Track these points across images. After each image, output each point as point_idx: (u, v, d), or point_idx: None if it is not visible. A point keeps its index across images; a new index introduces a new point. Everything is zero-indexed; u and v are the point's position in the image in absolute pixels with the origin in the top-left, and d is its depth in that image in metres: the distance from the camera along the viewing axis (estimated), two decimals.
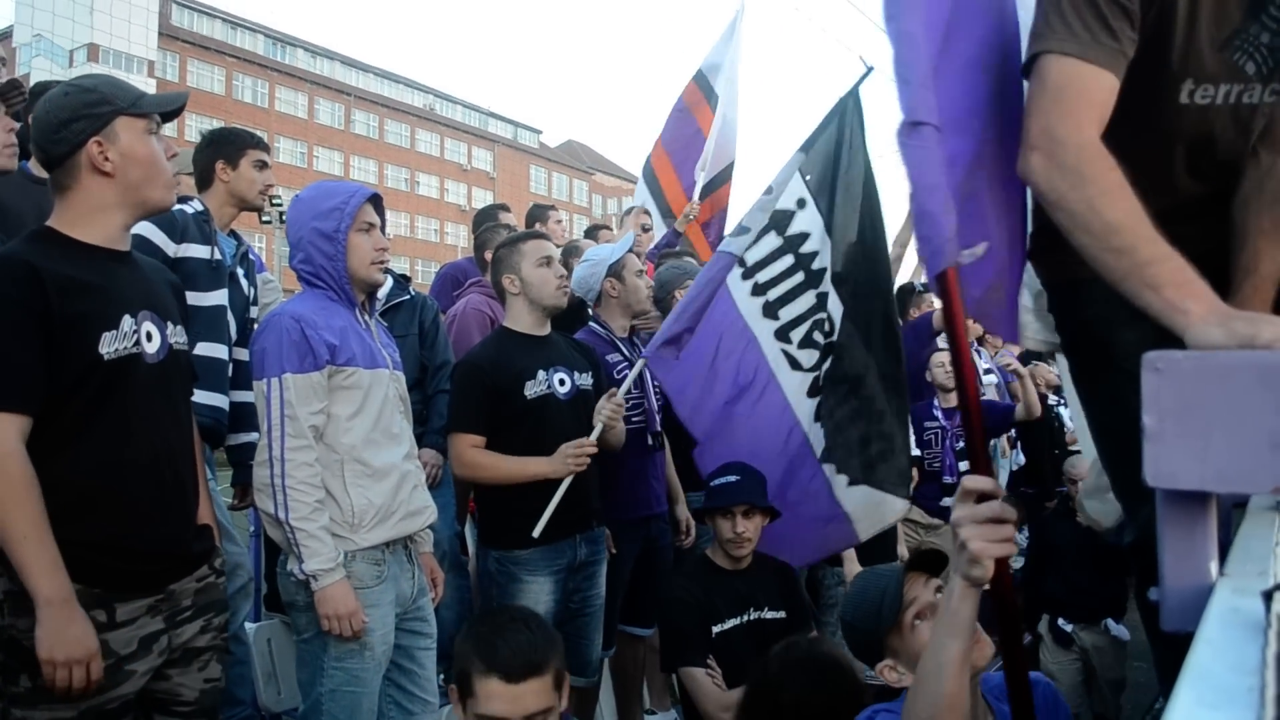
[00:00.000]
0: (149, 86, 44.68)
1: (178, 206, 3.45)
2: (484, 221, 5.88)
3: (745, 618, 3.41)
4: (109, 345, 2.22)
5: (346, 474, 2.81)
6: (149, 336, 2.33)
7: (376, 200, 3.03)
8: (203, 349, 3.39)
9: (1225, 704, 0.62)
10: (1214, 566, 0.99)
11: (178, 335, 2.45)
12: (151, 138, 2.36)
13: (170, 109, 2.43)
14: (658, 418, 4.11)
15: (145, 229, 3.24)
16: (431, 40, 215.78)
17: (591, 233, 6.99)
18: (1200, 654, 0.71)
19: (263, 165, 3.90)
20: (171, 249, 3.44)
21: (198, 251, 3.54)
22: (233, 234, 3.89)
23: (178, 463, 2.41)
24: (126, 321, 2.27)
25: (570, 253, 5.27)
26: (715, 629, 3.36)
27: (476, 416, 3.49)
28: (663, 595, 3.56)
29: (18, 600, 2.13)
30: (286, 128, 55.60)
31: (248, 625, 3.87)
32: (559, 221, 6.36)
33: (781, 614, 3.42)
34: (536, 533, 3.45)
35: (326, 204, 2.92)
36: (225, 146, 3.86)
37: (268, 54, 57.03)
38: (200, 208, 3.64)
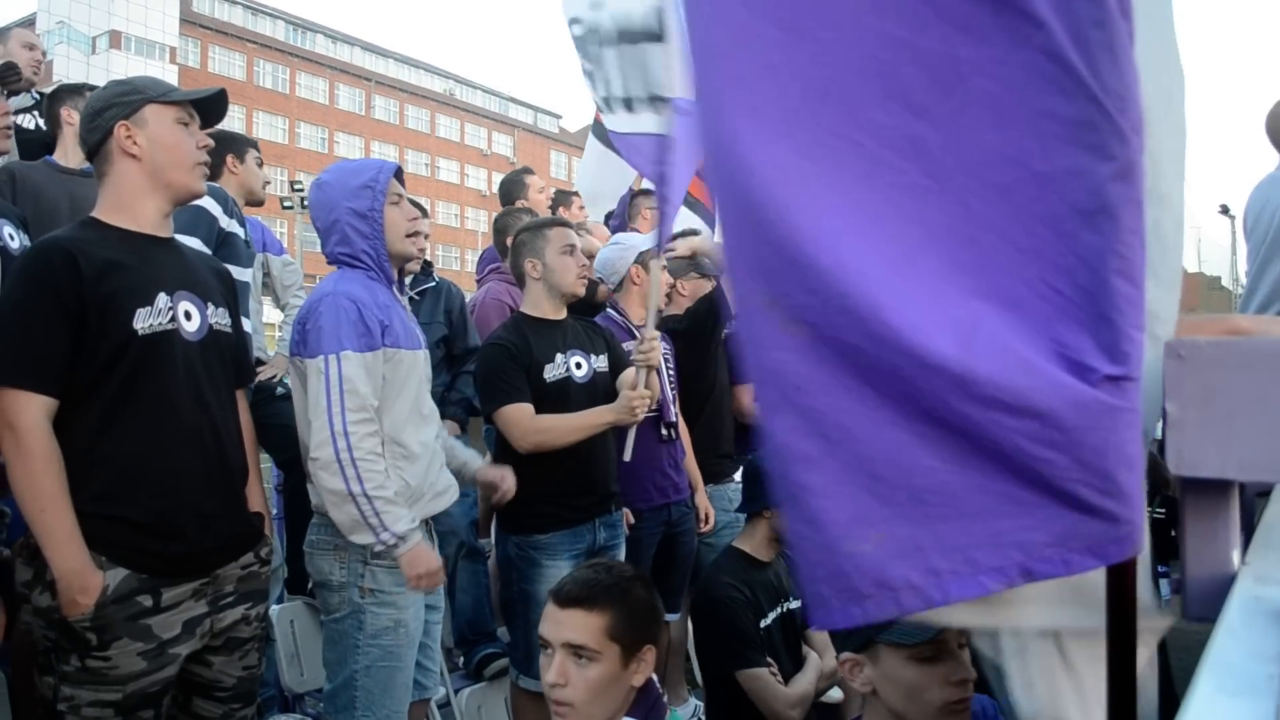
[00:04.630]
0: (170, 73, 44.83)
1: (220, 186, 3.81)
2: (511, 186, 5.91)
3: (781, 609, 3.38)
4: (143, 321, 2.28)
5: (386, 455, 2.83)
6: (187, 315, 2.40)
7: (398, 173, 3.07)
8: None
9: (1245, 692, 0.62)
10: (1236, 555, 0.99)
11: (219, 317, 2.51)
12: (181, 127, 2.45)
13: (202, 99, 2.51)
14: (672, 409, 4.09)
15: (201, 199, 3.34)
16: (451, 25, 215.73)
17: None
18: (1221, 642, 0.71)
19: (260, 163, 4.33)
20: (224, 220, 3.67)
21: (239, 230, 3.80)
22: None
23: (223, 440, 2.45)
24: (161, 299, 2.33)
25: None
26: (762, 624, 3.32)
27: (521, 388, 3.48)
28: (710, 594, 3.42)
29: None
30: (307, 113, 55.72)
31: (272, 608, 3.91)
32: (581, 208, 6.32)
33: (800, 603, 3.41)
34: (626, 456, 3.50)
35: (355, 182, 2.93)
36: (231, 143, 4.16)
37: (288, 40, 57.11)
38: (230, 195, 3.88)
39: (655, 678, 2.21)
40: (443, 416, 4.08)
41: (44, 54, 4.55)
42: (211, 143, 2.56)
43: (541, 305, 3.67)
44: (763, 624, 3.32)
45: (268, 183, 4.36)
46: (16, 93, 2.88)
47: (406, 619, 2.86)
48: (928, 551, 0.98)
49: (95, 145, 2.40)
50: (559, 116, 74.30)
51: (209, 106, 2.53)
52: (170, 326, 2.34)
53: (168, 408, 2.31)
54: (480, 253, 5.75)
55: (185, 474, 2.34)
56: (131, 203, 2.39)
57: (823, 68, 0.95)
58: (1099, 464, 0.94)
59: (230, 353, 2.56)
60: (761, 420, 1.02)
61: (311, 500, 2.92)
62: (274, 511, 4.32)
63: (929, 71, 0.93)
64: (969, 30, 0.92)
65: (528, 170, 6.29)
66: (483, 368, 3.61)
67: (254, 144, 4.38)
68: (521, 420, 3.45)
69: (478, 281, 5.51)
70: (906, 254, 0.95)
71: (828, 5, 0.94)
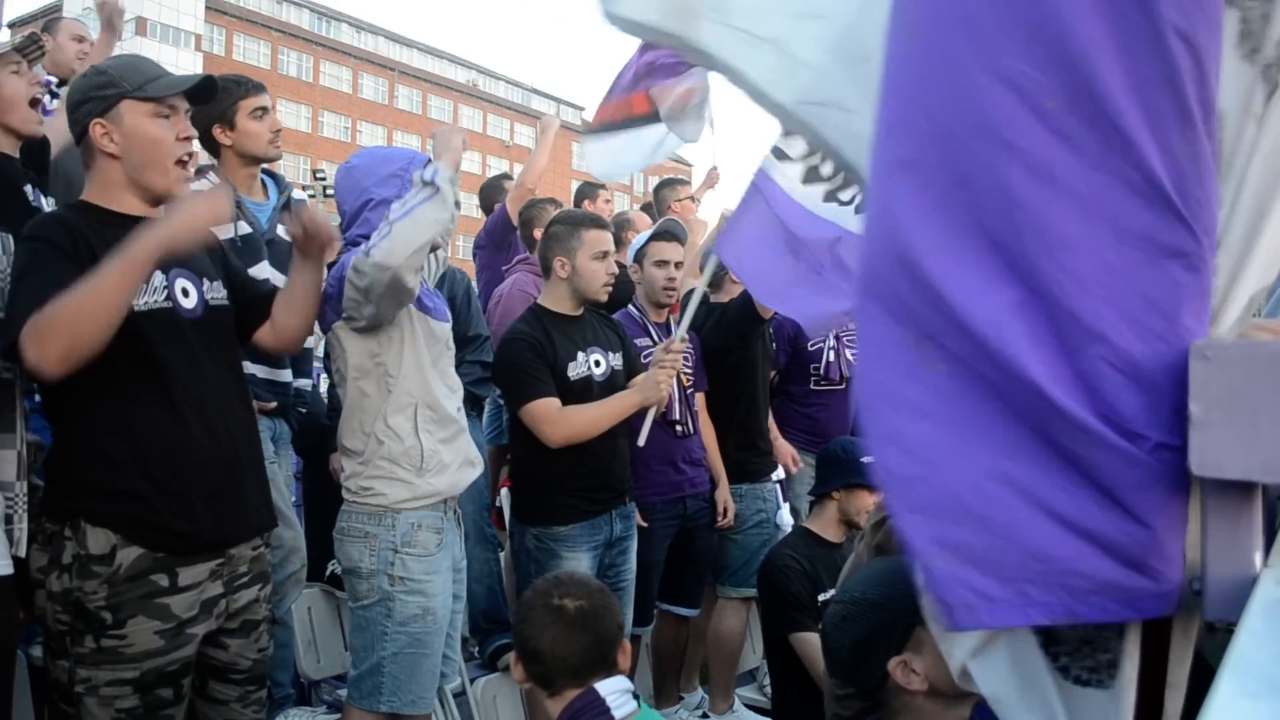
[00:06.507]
0: (195, 60, 45.10)
1: (194, 186, 3.29)
2: (490, 191, 6.06)
3: None
4: (139, 298, 2.27)
5: (419, 418, 2.86)
6: (184, 293, 2.39)
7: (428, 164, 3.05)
8: None
9: (1267, 694, 0.62)
10: (1258, 557, 0.98)
11: (215, 291, 2.50)
12: (160, 121, 2.36)
13: (181, 90, 2.40)
14: (677, 406, 4.03)
15: None
16: (475, 16, 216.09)
17: (646, 209, 6.97)
18: (1243, 644, 0.71)
19: (262, 112, 3.61)
20: None
21: (221, 234, 3.38)
22: (271, 176, 3.80)
23: (228, 415, 2.45)
24: (157, 277, 2.33)
25: (623, 225, 5.26)
26: (820, 597, 3.46)
27: (548, 381, 3.47)
28: (770, 563, 3.69)
29: (84, 564, 2.22)
30: (331, 102, 55.95)
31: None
32: (607, 201, 6.34)
33: None
34: (641, 441, 3.59)
35: (384, 170, 2.93)
36: (213, 108, 3.45)
37: (313, 28, 57.35)
38: (216, 180, 3.52)
39: (598, 688, 2.19)
40: None
41: (91, 45, 4.47)
42: (195, 132, 2.48)
43: (562, 303, 3.65)
44: (821, 597, 3.46)
45: (278, 130, 3.71)
46: (34, 61, 2.83)
47: (435, 607, 2.88)
48: (988, 578, 1.07)
49: (77, 138, 2.37)
50: (581, 109, 74.18)
51: (197, 89, 2.44)
52: (167, 304, 2.34)
53: (171, 385, 2.31)
54: (475, 237, 5.78)
55: (190, 450, 2.34)
56: (114, 195, 2.36)
57: (955, 164, 1.09)
58: (1149, 524, 1.01)
59: (230, 327, 2.56)
60: (871, 444, 1.15)
61: (343, 488, 2.94)
62: (294, 498, 4.35)
63: (1028, 169, 1.05)
64: (1066, 139, 1.04)
65: (506, 176, 6.48)
66: (505, 362, 3.58)
67: (251, 87, 3.63)
68: (551, 415, 3.44)
69: (479, 269, 5.54)
70: (998, 326, 1.07)
71: (961, 113, 1.08)
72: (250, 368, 3.29)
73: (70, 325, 2.08)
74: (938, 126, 1.11)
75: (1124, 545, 1.02)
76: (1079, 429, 1.03)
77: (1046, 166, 1.05)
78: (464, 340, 4.33)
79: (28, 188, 2.74)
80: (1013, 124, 1.06)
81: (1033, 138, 1.05)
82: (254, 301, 2.67)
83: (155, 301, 2.31)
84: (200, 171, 3.47)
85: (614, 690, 2.17)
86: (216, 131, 3.55)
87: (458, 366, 4.21)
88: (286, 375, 3.60)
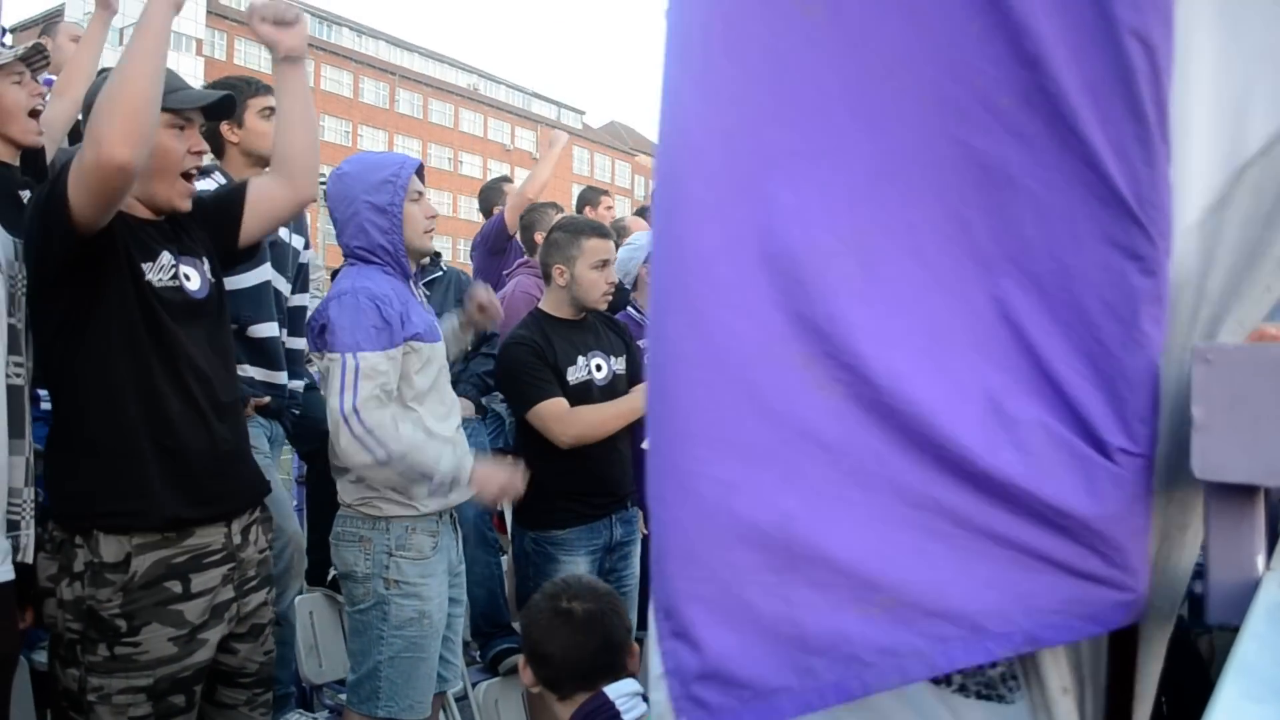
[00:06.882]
0: (197, 64, 45.10)
1: (200, 185, 3.11)
2: (489, 194, 6.11)
3: None
4: (151, 274, 2.29)
5: None
6: (188, 277, 2.40)
7: (420, 170, 3.05)
8: (256, 330, 3.42)
9: (1270, 697, 0.62)
10: (1260, 560, 0.98)
11: (211, 271, 2.51)
12: (174, 132, 2.36)
13: (196, 106, 2.41)
14: None
15: None
16: (476, 20, 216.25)
17: (642, 214, 6.98)
18: (1246, 648, 0.71)
19: (271, 111, 3.36)
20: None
21: None
22: None
23: (228, 392, 2.47)
24: (165, 257, 2.34)
25: (621, 232, 5.26)
26: None
27: (552, 382, 3.46)
28: None
29: (97, 571, 2.21)
30: (331, 106, 55.93)
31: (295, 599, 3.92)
32: (609, 207, 6.34)
33: None
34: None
35: (376, 177, 2.92)
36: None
37: (314, 33, 57.19)
38: (222, 180, 3.45)
39: (608, 691, 2.22)
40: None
41: None
42: (205, 147, 2.47)
43: (562, 309, 3.65)
44: None
45: None
46: (39, 70, 2.84)
47: (431, 610, 2.88)
48: (936, 618, 1.01)
49: None
50: (582, 113, 74.42)
51: (215, 105, 2.46)
52: (175, 284, 2.35)
53: (181, 362, 2.32)
54: (472, 240, 5.79)
55: (201, 428, 2.34)
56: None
57: (887, 155, 1.04)
58: (1108, 535, 0.99)
59: (225, 303, 2.56)
60: (756, 481, 1.04)
61: (339, 494, 2.94)
62: (294, 502, 4.35)
63: (982, 170, 1.03)
64: (1021, 137, 1.02)
65: (506, 179, 6.48)
66: (507, 367, 3.56)
67: (260, 87, 3.56)
68: (561, 414, 3.43)
69: (474, 271, 5.55)
70: (945, 327, 1.04)
71: (899, 103, 1.03)
72: (247, 370, 3.29)
73: (118, 101, 2.08)
74: (856, 116, 1.04)
75: (1081, 558, 1.00)
76: (1030, 438, 1.00)
77: (1002, 165, 1.02)
78: (481, 338, 4.34)
79: (24, 193, 2.74)
80: (966, 121, 1.03)
81: (988, 136, 1.02)
82: (233, 193, 2.65)
83: (165, 280, 2.33)
84: (206, 171, 3.43)
85: (623, 693, 2.18)
86: (225, 129, 3.53)
87: (471, 359, 4.23)
88: (282, 377, 3.60)
